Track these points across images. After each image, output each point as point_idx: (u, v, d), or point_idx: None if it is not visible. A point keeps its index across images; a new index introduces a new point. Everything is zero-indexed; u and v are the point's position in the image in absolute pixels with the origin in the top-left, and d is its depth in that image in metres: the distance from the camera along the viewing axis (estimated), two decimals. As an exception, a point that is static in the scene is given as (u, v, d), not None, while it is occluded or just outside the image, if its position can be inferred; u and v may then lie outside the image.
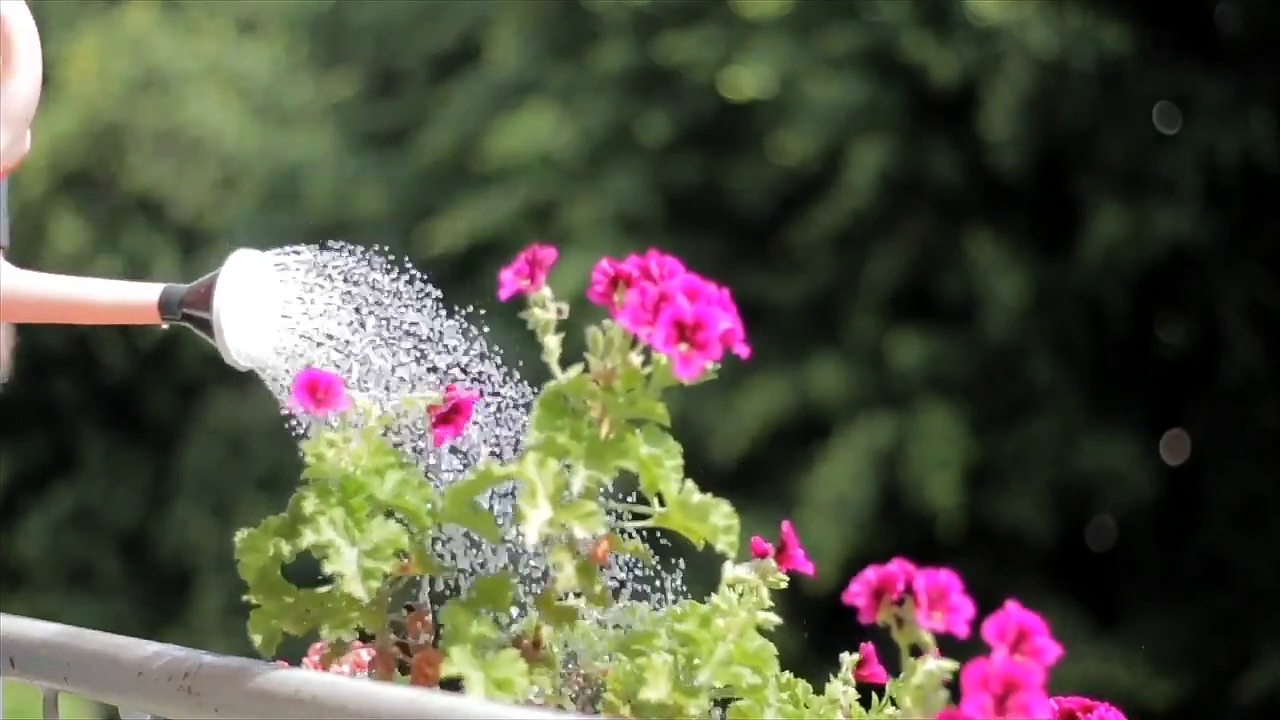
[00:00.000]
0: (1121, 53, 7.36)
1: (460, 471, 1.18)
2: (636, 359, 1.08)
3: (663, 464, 1.07)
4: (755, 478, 7.48)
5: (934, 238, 7.61)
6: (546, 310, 1.13)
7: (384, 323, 1.21)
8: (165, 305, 1.25)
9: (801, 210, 7.76)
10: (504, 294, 1.13)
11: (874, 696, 1.19)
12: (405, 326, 1.21)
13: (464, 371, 1.19)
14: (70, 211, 11.14)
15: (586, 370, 1.09)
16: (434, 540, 1.13)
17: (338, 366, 1.18)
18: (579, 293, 1.10)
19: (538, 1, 8.55)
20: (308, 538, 1.08)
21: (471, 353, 1.20)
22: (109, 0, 12.10)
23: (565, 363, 1.10)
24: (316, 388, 1.12)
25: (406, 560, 1.11)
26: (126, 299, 1.27)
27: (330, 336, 1.20)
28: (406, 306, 1.22)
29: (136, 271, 11.10)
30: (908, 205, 7.62)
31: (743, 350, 1.07)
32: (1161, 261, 7.36)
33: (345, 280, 1.22)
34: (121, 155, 11.22)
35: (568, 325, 1.13)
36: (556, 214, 8.11)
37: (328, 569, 1.07)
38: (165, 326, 1.26)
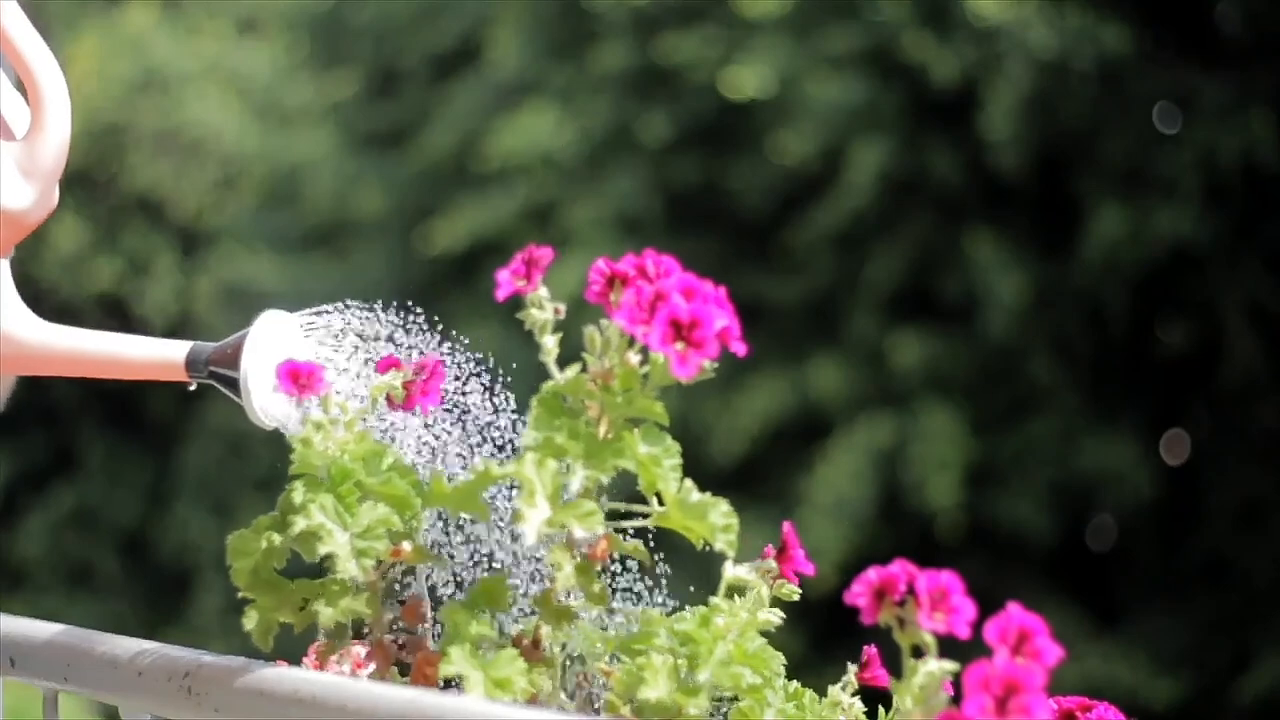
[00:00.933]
0: (1121, 53, 7.36)
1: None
2: (634, 358, 1.08)
3: (661, 463, 1.07)
4: (755, 478, 7.48)
5: (934, 238, 7.61)
6: (543, 310, 1.13)
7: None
8: (192, 363, 1.26)
9: (801, 210, 7.76)
10: (501, 294, 1.13)
11: (880, 709, 1.19)
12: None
13: (494, 444, 1.20)
14: (70, 211, 11.14)
15: (584, 370, 1.09)
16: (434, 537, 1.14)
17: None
18: (579, 293, 1.10)
19: (538, 1, 8.55)
20: (299, 524, 1.08)
21: (501, 421, 1.21)
22: (109, 0, 12.11)
23: (565, 362, 1.10)
24: (299, 374, 1.13)
25: (399, 547, 1.12)
26: (155, 356, 1.29)
27: (355, 398, 1.21)
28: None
29: (136, 271, 11.11)
30: (908, 205, 7.62)
31: (739, 348, 1.07)
32: (1161, 261, 7.36)
33: (370, 341, 1.23)
34: (121, 155, 11.23)
35: (568, 325, 1.13)
36: (557, 214, 8.12)
37: (320, 550, 1.08)
38: (193, 386, 1.27)
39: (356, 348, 1.22)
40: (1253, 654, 7.10)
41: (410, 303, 1.25)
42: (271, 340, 1.23)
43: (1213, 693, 7.15)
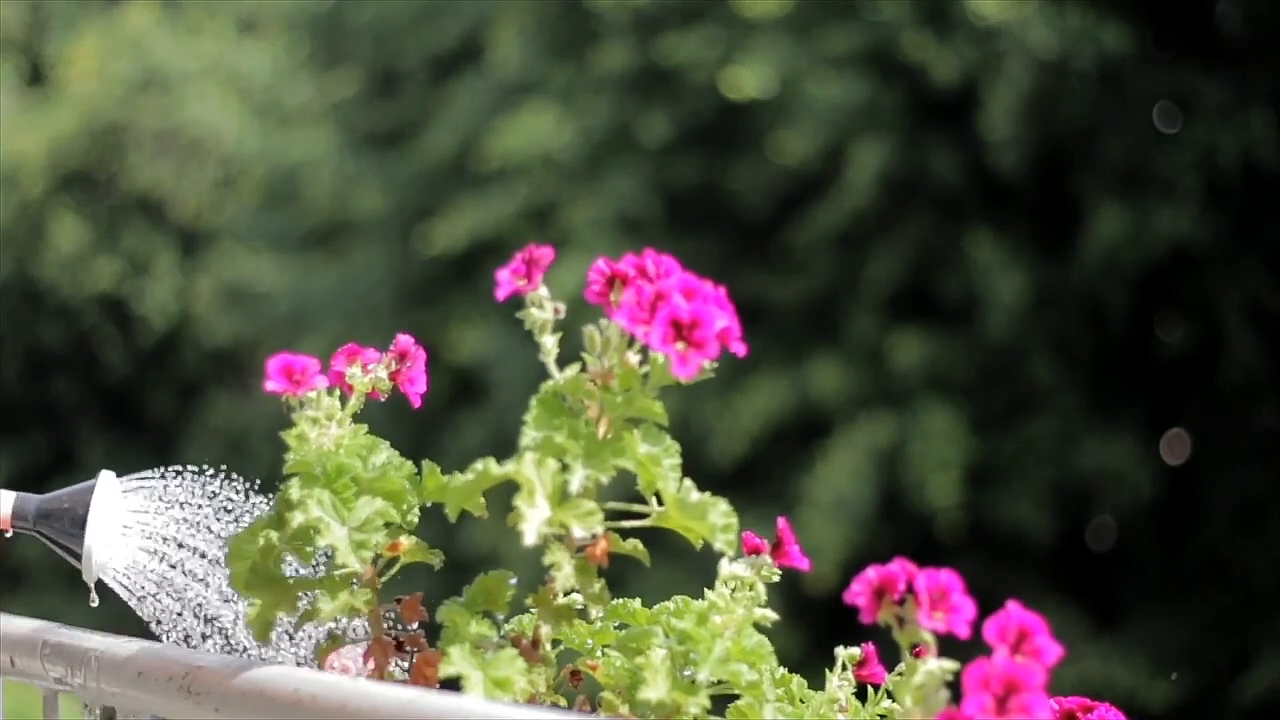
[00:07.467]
0: (1121, 53, 7.36)
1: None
2: (634, 358, 1.08)
3: (660, 463, 1.07)
4: (755, 478, 7.48)
5: (934, 238, 7.61)
6: (543, 310, 1.13)
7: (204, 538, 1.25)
8: (18, 514, 1.28)
9: (801, 210, 7.75)
10: (501, 294, 1.13)
11: (870, 691, 1.19)
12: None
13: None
14: (70, 211, 11.15)
15: (584, 370, 1.09)
16: None
17: (173, 582, 1.24)
18: (579, 293, 1.10)
19: (538, 1, 8.55)
20: (296, 518, 1.09)
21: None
22: (109, 0, 12.11)
23: (565, 362, 1.10)
24: (292, 371, 1.13)
25: (397, 541, 1.12)
26: None
27: (165, 554, 1.24)
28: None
29: (136, 271, 11.11)
30: (908, 205, 7.61)
31: (739, 348, 1.07)
32: (1161, 261, 7.36)
33: (179, 505, 1.25)
34: (121, 155, 11.23)
35: (568, 325, 1.13)
36: (556, 214, 8.11)
37: (319, 543, 1.09)
38: (9, 534, 1.29)
39: (178, 514, 1.24)
40: (1253, 654, 7.09)
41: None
42: (107, 508, 1.25)
43: (1212, 693, 7.15)
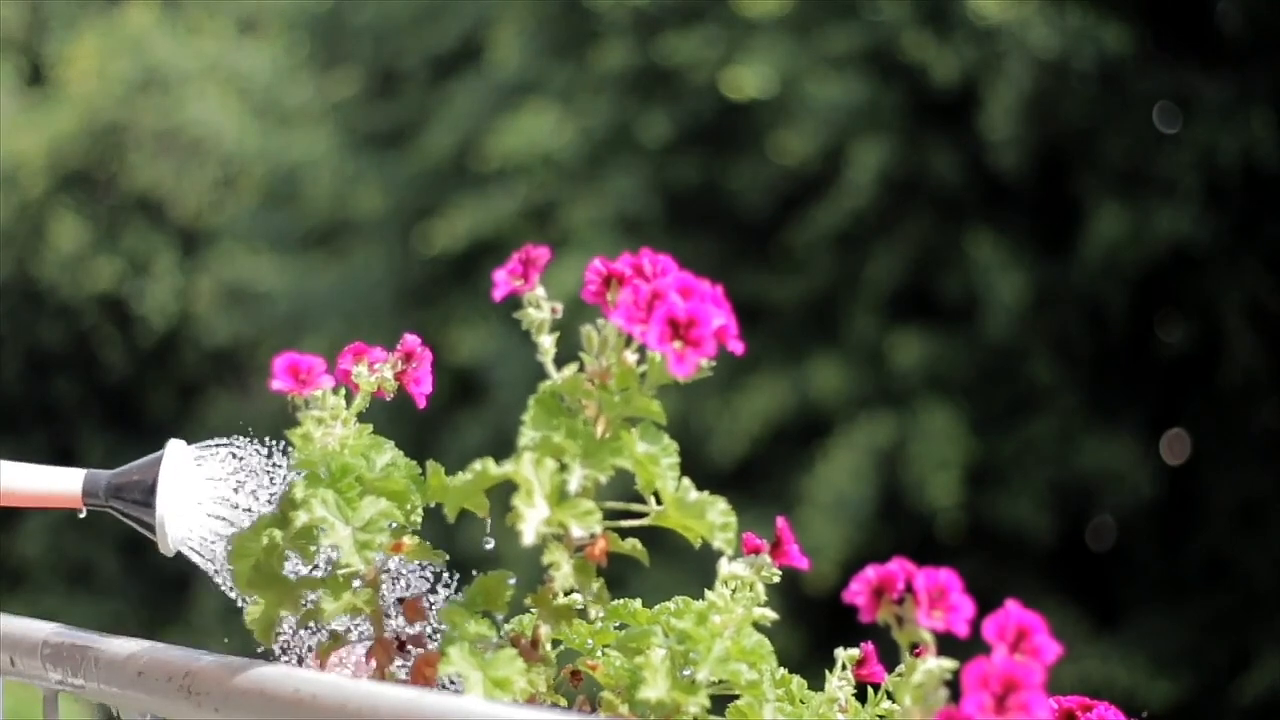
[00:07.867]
0: (1121, 53, 7.36)
1: None
2: (631, 357, 1.08)
3: (659, 462, 1.07)
4: (755, 478, 7.48)
5: (934, 238, 7.61)
6: (540, 310, 1.13)
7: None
8: (89, 492, 1.27)
9: (801, 210, 7.76)
10: (498, 294, 1.13)
11: (870, 691, 1.19)
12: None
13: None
14: (70, 211, 11.15)
15: (582, 369, 1.09)
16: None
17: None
18: (579, 293, 1.10)
19: (538, 1, 8.55)
20: (300, 518, 1.09)
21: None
22: (109, 0, 12.12)
23: (564, 362, 1.10)
24: (298, 370, 1.13)
25: (400, 541, 1.13)
26: (49, 488, 1.29)
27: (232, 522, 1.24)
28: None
29: (136, 271, 11.10)
30: (908, 205, 7.61)
31: (737, 347, 1.07)
32: (1161, 261, 7.36)
33: (250, 472, 1.25)
34: (121, 155, 11.23)
35: (569, 325, 1.13)
36: (556, 214, 8.12)
37: (323, 542, 1.09)
38: (83, 514, 1.29)
39: (245, 482, 1.24)
40: (1252, 654, 7.09)
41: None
42: (177, 476, 1.24)
43: (1212, 693, 7.15)
